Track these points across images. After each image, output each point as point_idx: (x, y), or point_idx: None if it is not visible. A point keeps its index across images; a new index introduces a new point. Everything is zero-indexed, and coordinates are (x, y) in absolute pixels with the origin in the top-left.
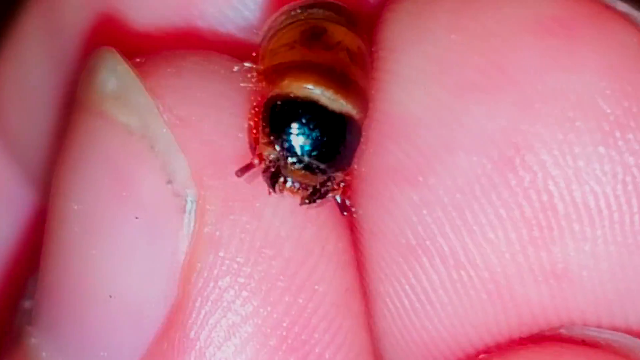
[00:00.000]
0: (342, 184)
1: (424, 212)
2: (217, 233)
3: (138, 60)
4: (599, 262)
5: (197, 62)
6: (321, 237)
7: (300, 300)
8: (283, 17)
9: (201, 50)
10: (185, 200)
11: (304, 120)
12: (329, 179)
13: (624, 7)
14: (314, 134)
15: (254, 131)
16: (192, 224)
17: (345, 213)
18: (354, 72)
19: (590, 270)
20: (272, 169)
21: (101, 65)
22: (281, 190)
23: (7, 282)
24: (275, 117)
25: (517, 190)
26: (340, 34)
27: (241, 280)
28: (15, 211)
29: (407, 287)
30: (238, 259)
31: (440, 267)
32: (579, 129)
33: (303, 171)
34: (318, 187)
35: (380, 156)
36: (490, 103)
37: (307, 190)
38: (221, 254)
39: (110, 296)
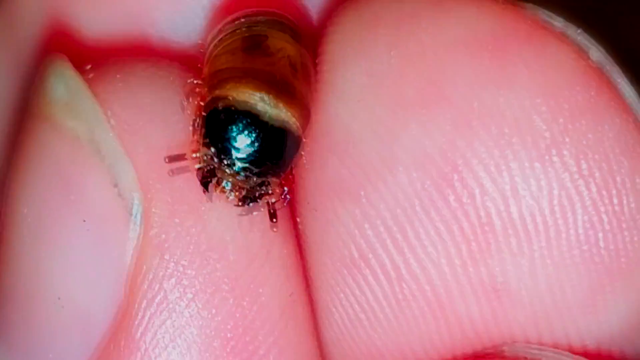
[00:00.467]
0: (276, 189)
1: (366, 226)
2: (163, 236)
3: (88, 67)
4: (537, 277)
5: (146, 69)
6: (266, 242)
7: (244, 303)
8: (228, 26)
9: (151, 58)
10: (132, 204)
11: (239, 124)
12: (262, 184)
13: (560, 23)
14: (248, 138)
15: (193, 130)
16: (138, 227)
17: (274, 220)
18: (294, 80)
19: (528, 285)
20: (206, 169)
21: (51, 72)
22: (214, 191)
23: None
24: (211, 119)
25: (455, 206)
26: (281, 42)
27: (185, 282)
28: None
29: (351, 298)
30: (183, 262)
31: (383, 280)
32: (515, 145)
33: (235, 174)
34: (251, 190)
35: (323, 170)
36: (428, 120)
37: (241, 192)
38: (166, 256)
39: (59, 299)
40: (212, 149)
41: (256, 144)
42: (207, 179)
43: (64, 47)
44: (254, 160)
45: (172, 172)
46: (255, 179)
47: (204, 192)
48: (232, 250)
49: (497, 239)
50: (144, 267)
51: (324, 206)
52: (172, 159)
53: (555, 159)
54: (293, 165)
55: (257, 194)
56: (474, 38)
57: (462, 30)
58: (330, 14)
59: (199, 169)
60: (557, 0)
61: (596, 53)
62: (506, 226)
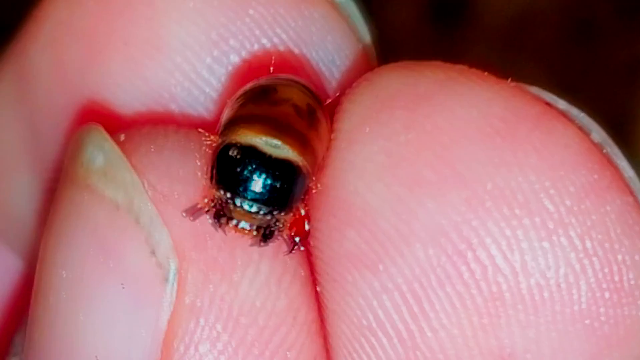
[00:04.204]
0: (287, 224)
1: (384, 297)
2: (198, 302)
3: (122, 137)
4: (542, 347)
5: (177, 140)
6: (293, 308)
7: None
8: (242, 90)
9: (180, 128)
10: (168, 271)
11: (244, 164)
12: (272, 221)
13: (564, 105)
14: (253, 177)
15: (205, 177)
16: (174, 293)
17: (293, 251)
18: (299, 124)
19: (534, 354)
20: (216, 209)
21: (88, 142)
22: (227, 229)
23: None
24: (219, 160)
25: (469, 281)
26: (289, 92)
27: (219, 346)
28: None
29: None
30: (217, 327)
31: (399, 348)
32: (526, 226)
33: (244, 211)
34: (263, 228)
35: (343, 243)
36: (444, 199)
37: (252, 231)
38: (201, 321)
39: (96, 357)
40: (219, 188)
41: (259, 180)
42: (219, 218)
43: (92, 117)
44: (260, 197)
45: (187, 213)
46: (263, 217)
47: (217, 230)
48: (262, 316)
49: (507, 312)
50: (180, 330)
51: (344, 277)
52: (189, 212)
53: (562, 238)
54: (302, 203)
55: (268, 231)
56: (486, 122)
57: (475, 114)
58: (345, 89)
59: (209, 209)
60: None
61: (598, 134)
62: (516, 300)
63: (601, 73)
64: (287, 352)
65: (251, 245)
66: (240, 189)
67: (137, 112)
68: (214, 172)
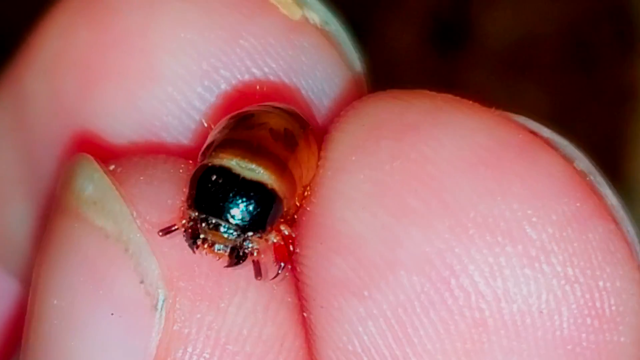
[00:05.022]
0: (260, 247)
1: (369, 323)
2: (186, 330)
3: (112, 167)
4: None
5: (166, 169)
6: (280, 335)
7: None
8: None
9: (169, 157)
10: (156, 299)
11: (216, 184)
12: (244, 242)
13: (548, 133)
14: (224, 198)
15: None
16: (162, 321)
17: (259, 278)
18: (274, 147)
19: None
20: (190, 230)
21: (79, 172)
22: (201, 249)
23: None
24: (192, 181)
25: (452, 307)
26: (265, 117)
27: None
28: None
29: None
30: (205, 354)
31: None
32: (508, 253)
33: (214, 231)
34: (236, 249)
35: (329, 270)
36: (429, 227)
37: (226, 252)
38: (189, 349)
39: None
40: (192, 208)
41: (230, 201)
42: (192, 237)
43: (85, 147)
44: (229, 215)
45: (162, 233)
46: (234, 235)
47: (193, 251)
48: (250, 343)
49: (490, 338)
50: (169, 357)
51: (330, 303)
52: (164, 231)
53: (544, 265)
54: (281, 226)
55: (241, 252)
56: (471, 151)
57: (460, 143)
58: (334, 117)
59: (185, 229)
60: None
61: (582, 162)
62: (498, 326)
63: (601, 97)
64: None
65: (226, 267)
66: (211, 208)
67: (129, 140)
68: (189, 192)
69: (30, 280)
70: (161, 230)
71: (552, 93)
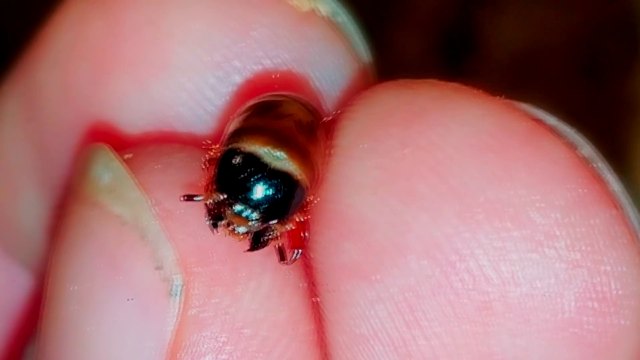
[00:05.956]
0: (281, 233)
1: (378, 306)
2: (202, 315)
3: (128, 155)
4: (530, 355)
5: (182, 158)
6: (294, 320)
7: None
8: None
9: (185, 146)
10: (173, 285)
11: (245, 170)
12: (266, 229)
13: (553, 121)
14: (252, 185)
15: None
16: (179, 306)
17: (283, 262)
18: (300, 138)
19: None
20: (214, 211)
21: (95, 160)
22: (223, 231)
23: (7, 352)
24: (221, 163)
25: (460, 291)
26: (291, 108)
27: (223, 357)
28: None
29: None
30: (220, 338)
31: (393, 355)
32: (515, 238)
33: (239, 216)
34: (258, 234)
35: (339, 255)
36: (437, 212)
37: (247, 235)
38: (205, 333)
39: None
40: (219, 190)
41: (257, 188)
42: (215, 220)
43: (98, 138)
44: (255, 202)
45: (183, 199)
46: (257, 222)
47: (212, 231)
48: (265, 327)
49: (497, 321)
50: (185, 342)
51: (339, 287)
52: (187, 198)
53: (549, 250)
54: (300, 214)
55: (263, 239)
56: (478, 138)
57: (467, 130)
58: (343, 107)
59: (208, 210)
60: None
61: (586, 149)
62: (505, 309)
63: (607, 107)
64: None
65: (247, 251)
66: (239, 194)
67: (143, 131)
68: (216, 174)
69: (43, 272)
70: (184, 196)
71: (559, 103)
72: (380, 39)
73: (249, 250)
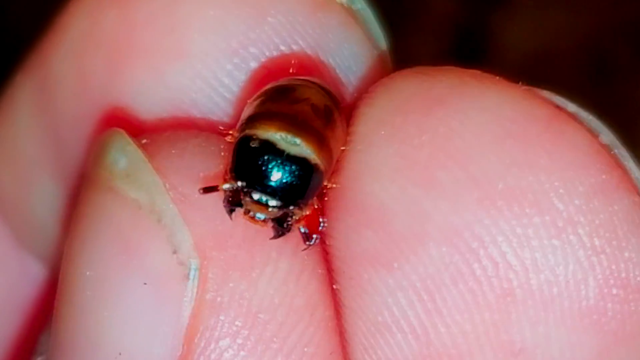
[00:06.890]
0: (300, 220)
1: (399, 294)
2: (218, 299)
3: (144, 141)
4: (551, 342)
5: (198, 143)
6: (310, 305)
7: None
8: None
9: (201, 132)
10: (189, 269)
11: (262, 157)
12: (284, 215)
13: (573, 108)
14: (269, 171)
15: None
16: (195, 290)
17: (309, 242)
18: (316, 123)
19: (543, 349)
20: (230, 198)
21: (111, 145)
22: (242, 217)
23: (22, 340)
24: (238, 150)
25: (481, 278)
26: (307, 92)
27: (239, 341)
28: (20, 280)
29: (383, 358)
30: (237, 323)
31: (413, 343)
32: (536, 224)
33: (257, 204)
34: (279, 220)
35: (359, 242)
36: (457, 199)
37: (266, 222)
38: (222, 317)
39: (120, 354)
40: (236, 177)
41: (275, 174)
42: (232, 207)
43: (114, 125)
44: (272, 189)
45: (202, 191)
46: (275, 208)
47: (230, 217)
48: (281, 312)
49: (518, 308)
50: (201, 326)
51: (359, 275)
52: (206, 190)
53: (571, 236)
54: (317, 200)
55: (285, 225)
56: (498, 125)
57: (487, 116)
58: (361, 94)
59: (225, 198)
60: None
61: (606, 136)
62: (526, 296)
63: (618, 109)
64: (305, 348)
65: (272, 238)
66: (256, 181)
67: (158, 117)
68: (232, 161)
69: (57, 264)
70: (202, 188)
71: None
72: (393, 42)
73: (274, 237)
